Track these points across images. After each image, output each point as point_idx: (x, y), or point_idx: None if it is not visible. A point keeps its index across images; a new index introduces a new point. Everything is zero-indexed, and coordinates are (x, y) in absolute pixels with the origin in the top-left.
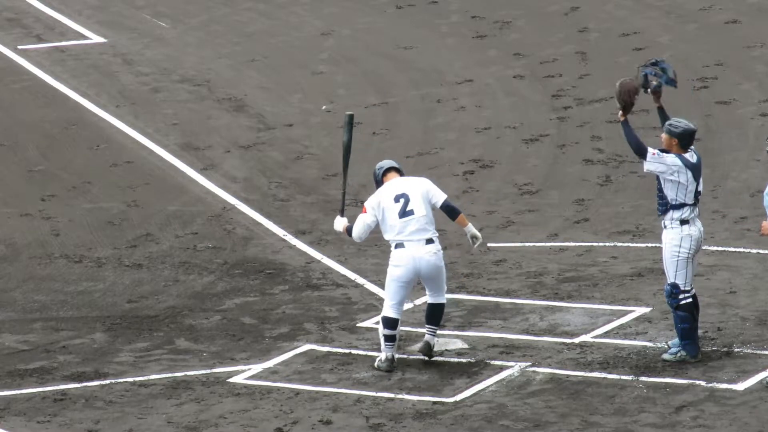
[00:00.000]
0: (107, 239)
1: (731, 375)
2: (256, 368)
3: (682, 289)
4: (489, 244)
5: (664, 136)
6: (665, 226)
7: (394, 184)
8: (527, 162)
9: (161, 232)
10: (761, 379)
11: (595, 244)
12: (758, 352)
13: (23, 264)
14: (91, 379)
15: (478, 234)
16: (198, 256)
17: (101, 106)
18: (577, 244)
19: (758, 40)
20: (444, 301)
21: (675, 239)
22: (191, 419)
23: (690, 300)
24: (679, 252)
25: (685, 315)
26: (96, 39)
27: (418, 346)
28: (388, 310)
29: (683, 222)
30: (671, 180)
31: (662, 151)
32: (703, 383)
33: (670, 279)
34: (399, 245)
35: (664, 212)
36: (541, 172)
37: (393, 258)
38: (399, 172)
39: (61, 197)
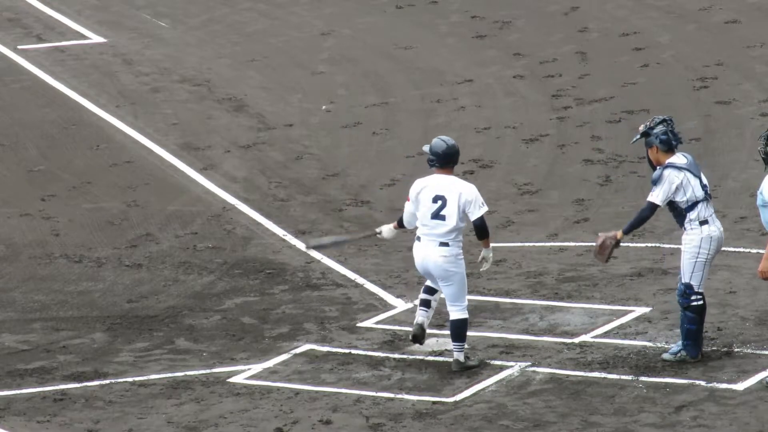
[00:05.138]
0: (107, 239)
1: (731, 375)
2: (256, 368)
3: (695, 290)
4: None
5: (648, 150)
6: (685, 230)
7: (439, 182)
8: (527, 162)
9: (161, 232)
10: (761, 379)
11: (595, 244)
12: (758, 352)
13: (23, 264)
14: (91, 379)
15: (490, 258)
16: (198, 256)
17: (101, 106)
18: (577, 244)
19: (758, 40)
20: (463, 315)
21: (695, 240)
22: (191, 419)
23: (701, 302)
24: (698, 253)
25: (694, 317)
26: (96, 39)
27: (452, 365)
28: (428, 281)
29: (703, 222)
30: (676, 190)
31: (651, 165)
32: (703, 383)
33: (685, 279)
34: (417, 239)
35: (683, 221)
36: (541, 172)
37: (413, 250)
38: (451, 168)
39: (61, 197)
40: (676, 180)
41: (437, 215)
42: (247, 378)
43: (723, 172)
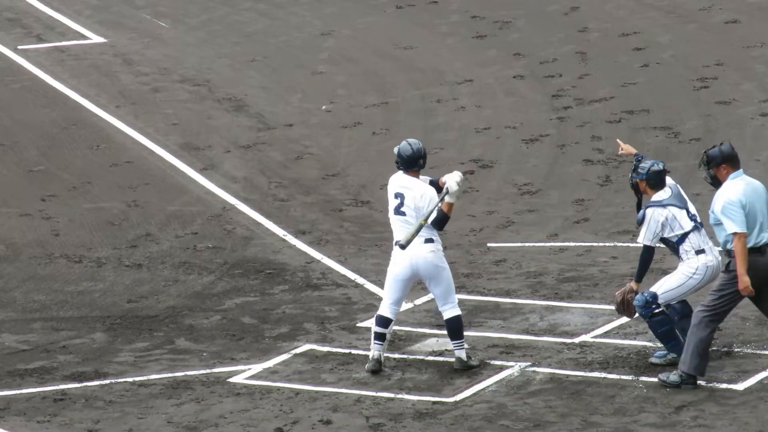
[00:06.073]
0: (107, 239)
1: (731, 375)
2: (256, 368)
3: (659, 302)
4: (489, 244)
5: (637, 182)
6: (682, 260)
7: (402, 182)
8: (527, 162)
9: (161, 232)
10: (761, 379)
11: (595, 244)
12: (758, 352)
13: (23, 264)
14: (91, 379)
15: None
16: (198, 256)
17: (101, 106)
18: (577, 244)
19: (758, 40)
20: (457, 312)
21: (692, 266)
22: (191, 419)
23: (662, 308)
24: (691, 277)
25: (662, 318)
26: (96, 39)
27: (454, 364)
28: (383, 309)
29: (699, 252)
30: (662, 227)
31: (636, 193)
32: (703, 383)
33: (657, 290)
34: (396, 243)
35: (678, 253)
36: (541, 172)
37: (393, 254)
38: (417, 171)
39: (61, 197)
40: (660, 218)
41: (398, 211)
42: (247, 378)
43: None
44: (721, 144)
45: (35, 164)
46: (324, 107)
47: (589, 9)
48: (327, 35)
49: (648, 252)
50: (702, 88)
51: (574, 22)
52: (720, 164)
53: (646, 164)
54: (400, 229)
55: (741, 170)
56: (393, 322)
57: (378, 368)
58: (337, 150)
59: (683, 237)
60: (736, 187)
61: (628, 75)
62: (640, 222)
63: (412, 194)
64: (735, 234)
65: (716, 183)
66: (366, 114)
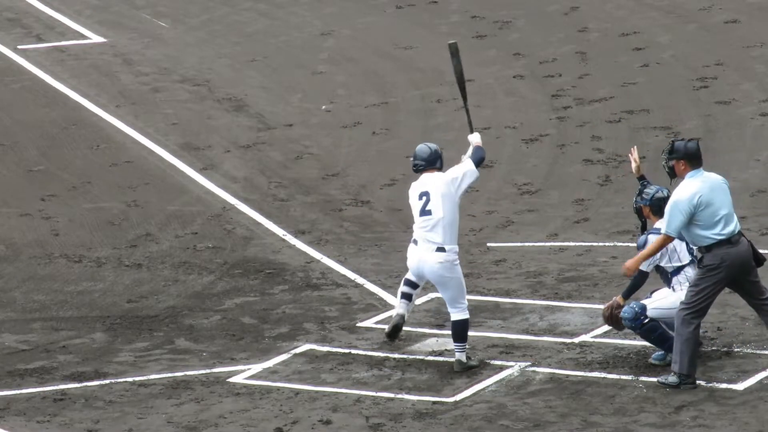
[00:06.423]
0: (107, 239)
1: (731, 375)
2: (256, 368)
3: (647, 314)
4: (489, 244)
5: (641, 206)
6: (674, 290)
7: (424, 180)
8: (527, 162)
9: (161, 232)
10: (761, 379)
11: (595, 244)
12: (758, 352)
13: (23, 264)
14: (91, 379)
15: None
16: (198, 256)
17: (101, 106)
18: (577, 244)
19: (758, 40)
20: (464, 316)
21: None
22: (191, 419)
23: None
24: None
25: (651, 325)
26: (96, 39)
27: (454, 366)
28: (409, 275)
29: None
30: (661, 256)
31: (639, 215)
32: (702, 383)
33: (648, 304)
34: (414, 241)
35: (669, 284)
36: (541, 172)
37: (408, 251)
38: (439, 169)
39: (61, 197)
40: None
41: (424, 211)
42: (247, 378)
43: (723, 172)
44: (690, 140)
45: (35, 164)
46: (324, 107)
47: (589, 9)
48: (327, 35)
49: (642, 276)
50: (702, 88)
51: (574, 22)
52: (680, 159)
53: (650, 190)
54: (421, 231)
55: (701, 168)
56: (420, 288)
57: (401, 323)
58: (337, 150)
59: (679, 269)
60: (690, 189)
61: (628, 75)
62: (641, 247)
63: (439, 182)
64: (663, 233)
65: (672, 174)
66: (366, 114)
